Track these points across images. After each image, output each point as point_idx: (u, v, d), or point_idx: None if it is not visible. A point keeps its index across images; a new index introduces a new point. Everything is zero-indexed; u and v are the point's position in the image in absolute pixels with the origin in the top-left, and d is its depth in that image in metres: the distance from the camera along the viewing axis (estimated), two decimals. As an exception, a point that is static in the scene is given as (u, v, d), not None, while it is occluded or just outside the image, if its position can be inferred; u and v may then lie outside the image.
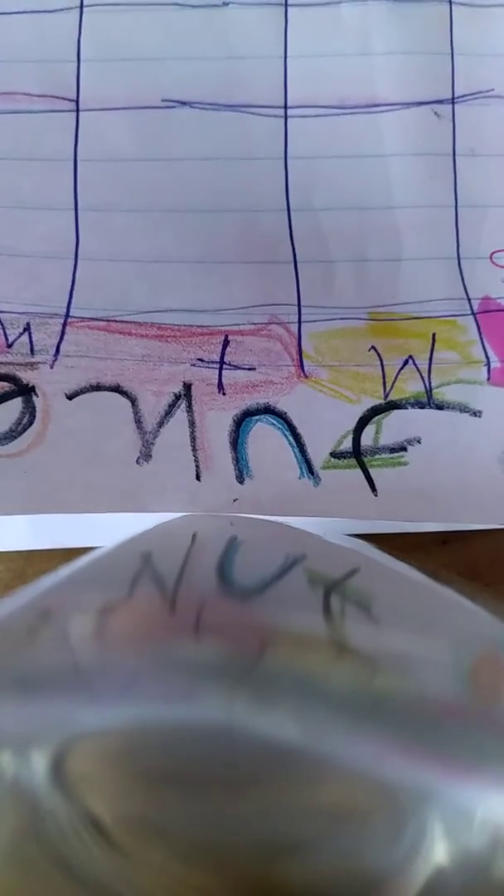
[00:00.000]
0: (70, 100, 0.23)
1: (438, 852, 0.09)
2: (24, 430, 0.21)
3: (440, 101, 0.23)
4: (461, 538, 0.22)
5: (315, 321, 0.22)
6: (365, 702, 0.10)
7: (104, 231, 0.23)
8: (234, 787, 0.10)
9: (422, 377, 0.22)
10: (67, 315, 0.22)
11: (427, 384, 0.22)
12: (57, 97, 0.23)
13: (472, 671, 0.11)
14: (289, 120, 0.23)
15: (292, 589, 0.13)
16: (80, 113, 0.23)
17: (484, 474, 0.21)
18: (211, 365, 0.22)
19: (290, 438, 0.21)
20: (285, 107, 0.23)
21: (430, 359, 0.22)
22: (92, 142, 0.23)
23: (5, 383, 0.22)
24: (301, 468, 0.21)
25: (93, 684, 0.10)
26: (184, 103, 0.23)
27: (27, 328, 0.22)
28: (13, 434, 0.21)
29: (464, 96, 0.23)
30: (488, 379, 0.22)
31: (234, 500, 0.21)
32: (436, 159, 0.23)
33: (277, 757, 0.10)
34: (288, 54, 0.23)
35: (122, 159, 0.23)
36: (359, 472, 0.21)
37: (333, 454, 0.21)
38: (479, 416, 0.22)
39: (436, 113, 0.23)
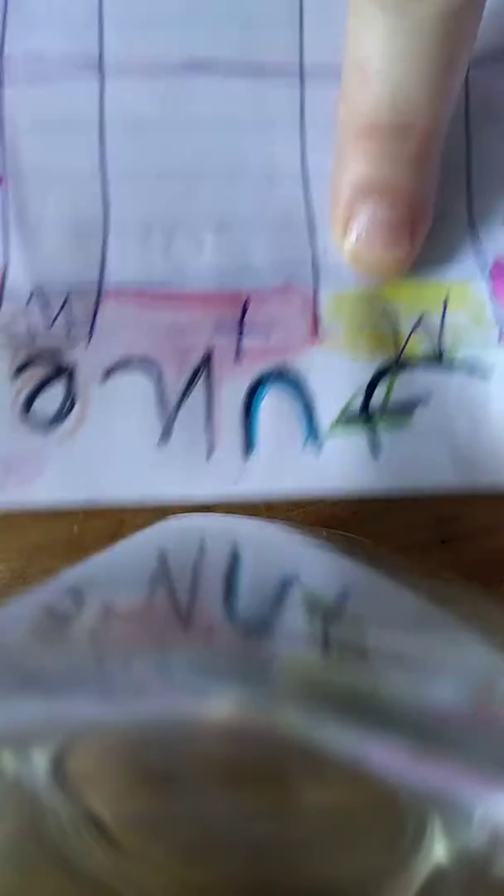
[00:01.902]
0: (94, 65, 0.23)
1: (438, 851, 0.09)
2: (68, 413, 0.21)
3: None
4: (461, 538, 0.22)
5: (331, 284, 0.22)
6: (367, 703, 0.10)
7: (131, 199, 0.23)
8: (234, 786, 0.10)
9: (434, 339, 0.22)
10: (101, 288, 0.22)
11: (439, 345, 0.22)
12: (82, 63, 0.23)
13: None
14: (305, 86, 0.23)
15: (292, 622, 0.13)
16: (105, 78, 0.23)
17: (493, 434, 0.21)
18: (231, 331, 0.22)
19: (301, 403, 0.22)
20: (301, 73, 0.23)
21: (443, 321, 0.22)
22: (116, 108, 0.23)
23: (49, 364, 0.22)
24: (307, 435, 0.21)
25: (94, 682, 0.10)
26: (204, 68, 0.23)
27: (65, 305, 0.22)
28: (59, 418, 0.21)
29: (477, 57, 0.23)
30: (500, 340, 0.22)
31: (239, 477, 0.21)
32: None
33: (278, 756, 0.10)
34: (304, 20, 0.23)
35: (144, 125, 0.23)
36: (364, 434, 0.21)
37: (342, 416, 0.21)
38: (490, 377, 0.22)
39: None
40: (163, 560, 0.16)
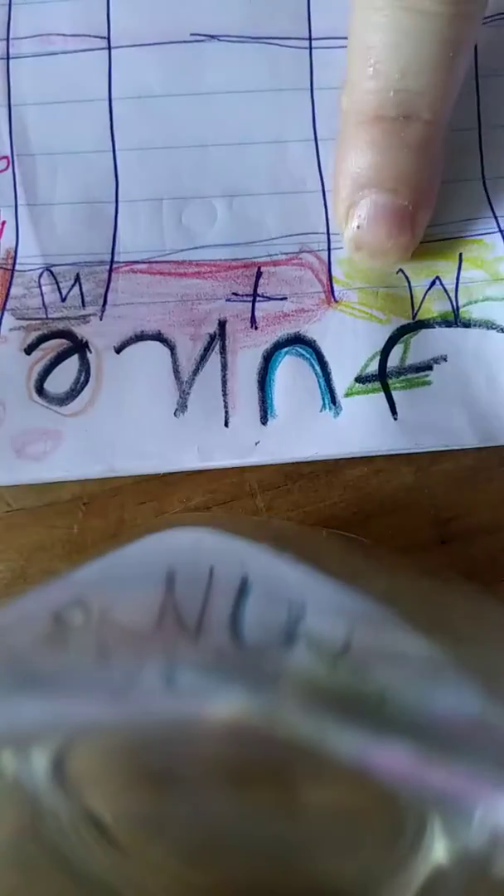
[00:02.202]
0: (102, 37, 0.23)
1: (438, 851, 0.09)
2: (82, 388, 0.22)
3: None
4: (461, 538, 0.22)
5: (344, 247, 0.22)
6: (369, 706, 0.10)
7: (141, 171, 0.23)
8: (235, 787, 0.10)
9: (449, 297, 0.22)
10: (112, 261, 0.22)
11: (454, 304, 0.22)
12: (90, 36, 0.23)
13: None
14: (314, 51, 0.23)
15: (299, 654, 0.13)
16: (112, 50, 0.23)
17: None
18: (245, 298, 0.22)
19: (317, 368, 0.22)
20: (310, 38, 0.23)
21: (458, 278, 0.22)
22: (125, 80, 0.23)
23: (63, 340, 0.22)
24: (324, 399, 0.21)
25: (96, 684, 0.10)
26: (212, 37, 0.23)
27: (77, 279, 0.22)
28: (74, 393, 0.21)
29: (486, 18, 0.23)
30: None
31: (257, 443, 0.21)
32: None
33: (280, 757, 0.10)
34: None
35: (154, 96, 0.23)
36: (382, 395, 0.21)
37: (359, 379, 0.21)
38: None
39: None
40: (171, 582, 0.15)
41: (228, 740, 0.10)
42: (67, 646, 0.12)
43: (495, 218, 0.23)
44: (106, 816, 0.09)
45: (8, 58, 0.23)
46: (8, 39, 0.23)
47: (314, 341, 0.22)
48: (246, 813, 0.10)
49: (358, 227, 0.21)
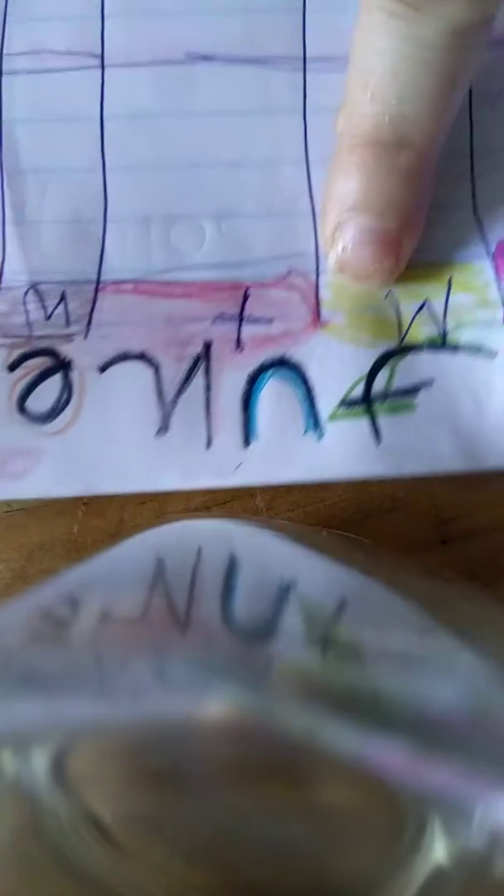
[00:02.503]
0: (96, 56, 0.23)
1: (438, 851, 0.09)
2: (64, 406, 0.21)
3: None
4: (461, 538, 0.22)
5: (329, 269, 0.22)
6: (366, 703, 0.10)
7: (130, 191, 0.23)
8: (233, 787, 0.10)
9: (437, 321, 0.22)
10: (98, 281, 0.22)
11: (442, 327, 0.22)
12: (83, 54, 0.23)
13: None
14: (308, 73, 0.23)
15: (290, 627, 0.13)
16: (106, 69, 0.23)
17: (498, 415, 0.21)
18: (231, 320, 0.22)
19: (302, 391, 0.21)
20: (304, 60, 0.23)
21: (447, 302, 0.22)
22: (117, 99, 0.23)
23: (46, 358, 0.22)
24: (307, 423, 0.21)
25: (93, 683, 0.10)
26: (206, 58, 0.23)
27: (63, 298, 0.22)
28: (55, 412, 0.21)
29: None
30: None
31: (238, 465, 0.21)
32: None
33: (278, 756, 0.10)
34: (307, 8, 0.23)
35: (146, 116, 0.23)
36: (366, 420, 0.21)
37: (344, 402, 0.21)
38: (494, 357, 0.22)
39: None
40: (160, 567, 0.15)
41: (225, 738, 0.10)
42: (64, 644, 0.12)
43: (485, 244, 0.23)
44: (106, 816, 0.09)
45: (0, 74, 0.23)
46: (1, 56, 0.23)
47: (300, 364, 0.22)
48: (245, 812, 0.10)
49: (343, 249, 0.21)
